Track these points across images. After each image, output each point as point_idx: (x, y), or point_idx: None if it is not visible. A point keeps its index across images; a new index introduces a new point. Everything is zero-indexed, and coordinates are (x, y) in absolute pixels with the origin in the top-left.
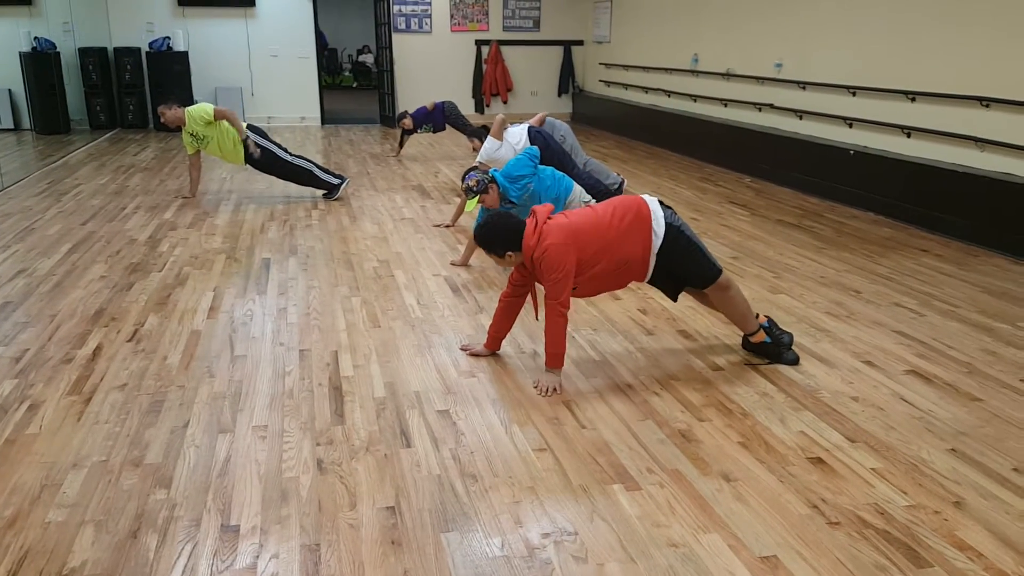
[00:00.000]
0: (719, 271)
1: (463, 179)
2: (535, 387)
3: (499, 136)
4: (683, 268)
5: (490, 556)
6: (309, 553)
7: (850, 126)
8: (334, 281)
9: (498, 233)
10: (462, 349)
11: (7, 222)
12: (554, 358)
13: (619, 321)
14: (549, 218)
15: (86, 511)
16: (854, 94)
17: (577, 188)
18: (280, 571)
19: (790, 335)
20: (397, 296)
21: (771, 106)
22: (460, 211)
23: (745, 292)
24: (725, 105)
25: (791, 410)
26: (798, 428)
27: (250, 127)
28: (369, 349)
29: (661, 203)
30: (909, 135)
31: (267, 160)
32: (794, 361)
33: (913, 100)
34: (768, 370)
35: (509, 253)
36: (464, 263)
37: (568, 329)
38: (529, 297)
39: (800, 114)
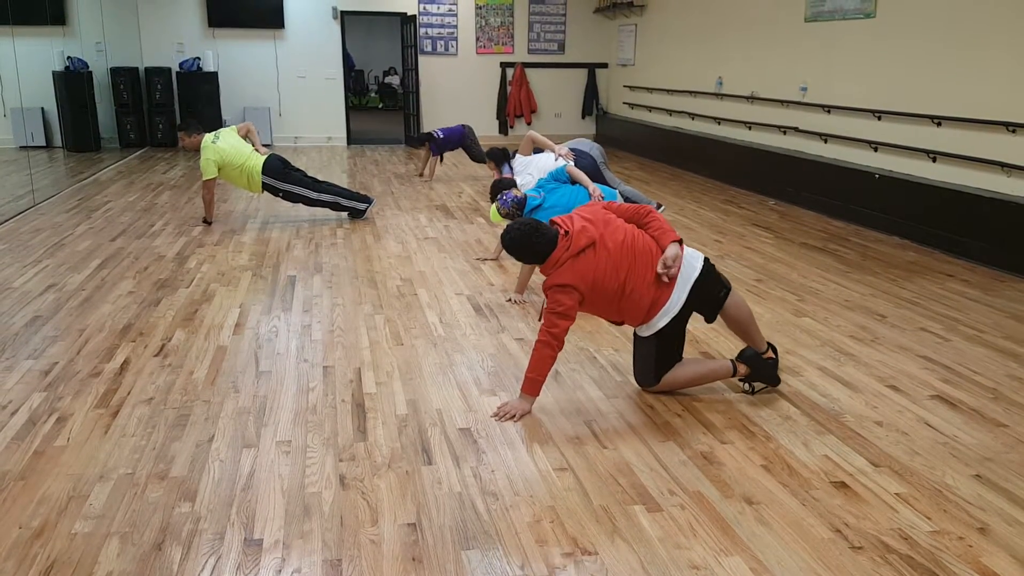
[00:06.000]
0: (661, 375)
1: (496, 198)
2: (496, 411)
3: (527, 152)
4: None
5: (510, 575)
6: (331, 568)
7: (875, 150)
8: (358, 299)
9: (527, 249)
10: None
11: (38, 237)
12: (530, 383)
13: None
14: (581, 252)
15: (112, 523)
16: (879, 118)
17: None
18: None
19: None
20: (420, 315)
21: (796, 129)
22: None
23: (768, 315)
24: (749, 128)
25: (814, 434)
26: (822, 452)
27: (268, 166)
28: (392, 367)
29: (704, 270)
30: (935, 159)
31: (291, 199)
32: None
33: (939, 125)
34: (791, 393)
35: (535, 266)
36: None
37: (590, 350)
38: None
39: (825, 137)
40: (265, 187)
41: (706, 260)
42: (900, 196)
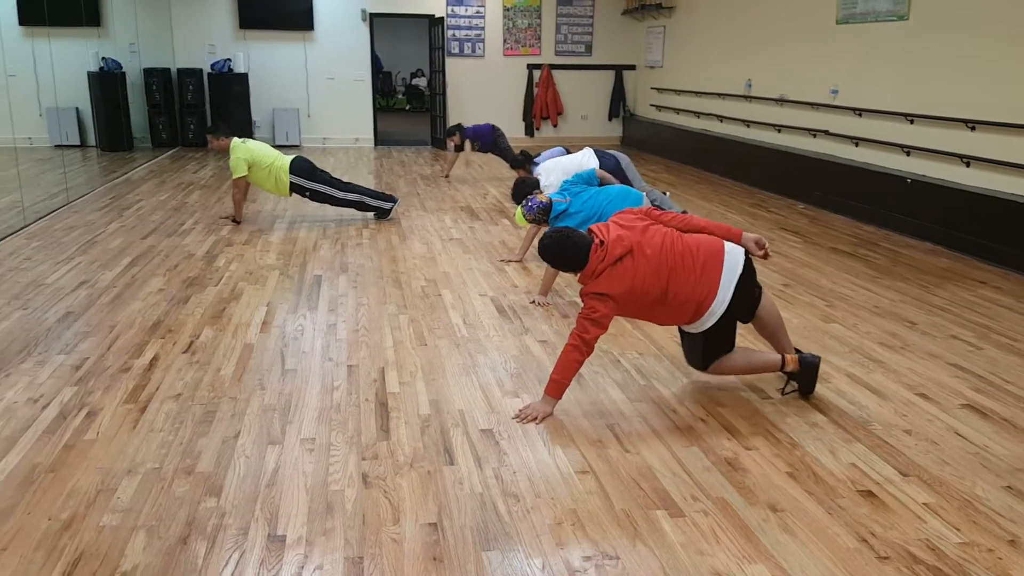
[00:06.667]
0: (712, 360)
1: (523, 204)
2: (518, 413)
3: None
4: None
5: None
6: (352, 566)
7: (907, 154)
8: (383, 299)
9: (563, 257)
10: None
11: (71, 235)
12: (555, 385)
13: (666, 346)
14: (618, 261)
15: (139, 516)
16: (912, 121)
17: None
18: None
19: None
20: (444, 315)
21: (826, 132)
22: (527, 245)
23: (796, 320)
24: (779, 131)
25: (842, 441)
26: (848, 460)
27: (295, 165)
28: (415, 367)
29: (746, 264)
30: (968, 164)
31: (318, 199)
32: (781, 392)
33: (973, 129)
34: (819, 400)
35: (569, 272)
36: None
37: (614, 353)
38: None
39: (856, 141)
40: (293, 187)
41: (746, 254)
42: (932, 201)
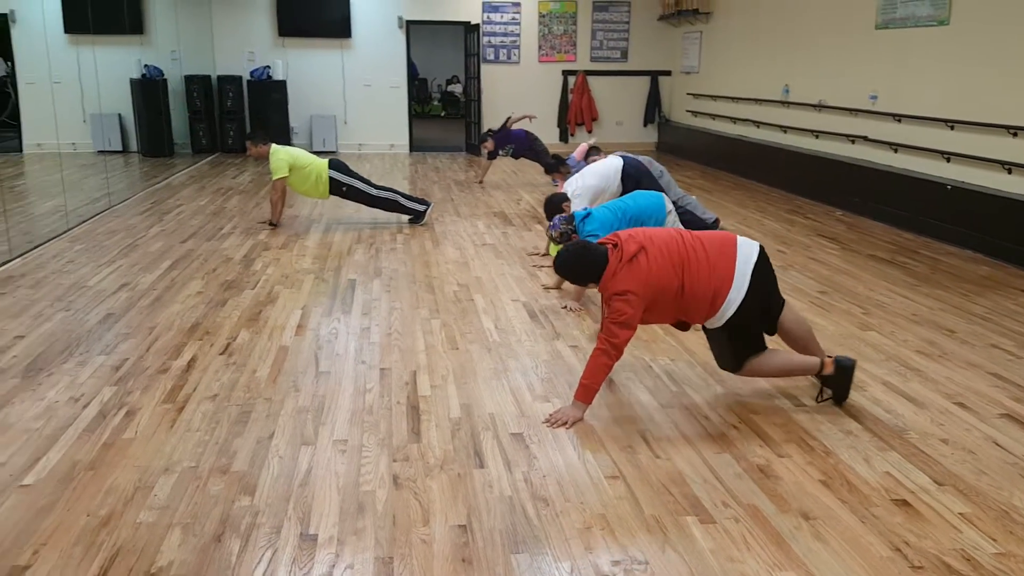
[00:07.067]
0: (744, 360)
1: (549, 224)
2: (548, 417)
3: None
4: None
5: None
6: (382, 566)
7: (947, 160)
8: (415, 303)
9: (580, 270)
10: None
11: (113, 239)
12: (584, 390)
13: (698, 352)
14: (633, 258)
15: (175, 514)
16: (952, 127)
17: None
18: None
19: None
20: (476, 320)
21: (865, 138)
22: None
23: (832, 328)
24: (816, 137)
25: (876, 450)
26: (883, 468)
27: (333, 163)
28: (447, 370)
29: (761, 252)
30: (1010, 171)
31: (353, 195)
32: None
33: (1015, 135)
34: (854, 408)
35: (590, 284)
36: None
37: (645, 359)
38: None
39: (895, 147)
40: (331, 183)
41: (761, 246)
42: (973, 208)
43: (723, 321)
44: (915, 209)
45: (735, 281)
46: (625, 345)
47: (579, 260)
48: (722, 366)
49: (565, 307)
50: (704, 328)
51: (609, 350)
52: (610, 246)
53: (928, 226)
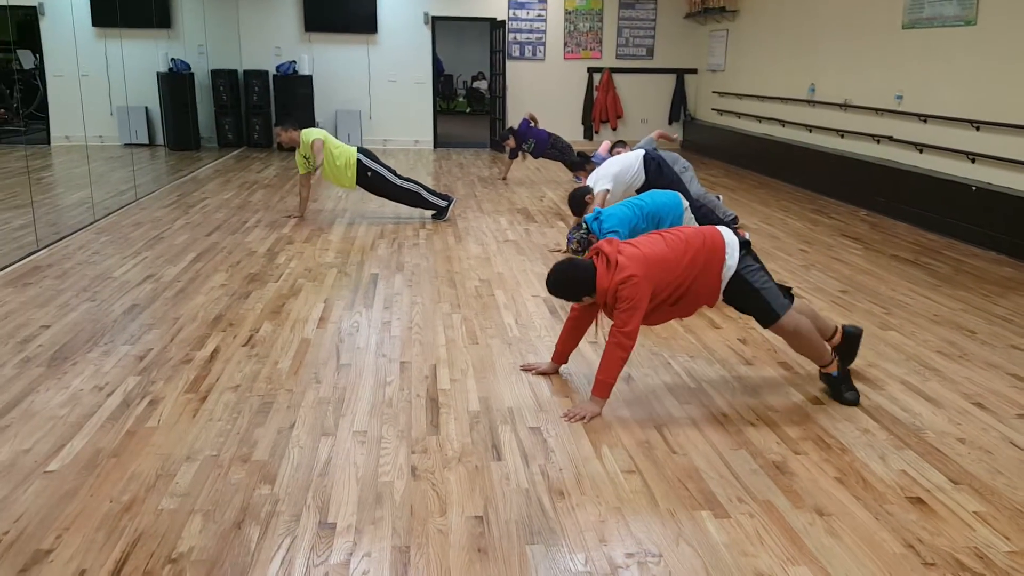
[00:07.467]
0: (777, 316)
1: (568, 239)
2: (566, 412)
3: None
4: (745, 308)
5: (573, 571)
6: (399, 554)
7: (972, 161)
8: (437, 298)
9: (570, 284)
10: (523, 369)
11: (139, 231)
12: (602, 386)
13: (717, 350)
14: (620, 253)
15: (196, 501)
16: (978, 128)
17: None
18: (371, 569)
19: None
20: (496, 315)
21: (890, 138)
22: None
23: None
24: (842, 136)
25: (893, 448)
26: (899, 467)
27: (361, 150)
28: (466, 364)
29: (740, 241)
30: None
31: (377, 182)
32: (853, 402)
33: None
34: (871, 407)
35: (585, 297)
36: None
37: (664, 356)
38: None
39: (920, 147)
40: (359, 166)
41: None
42: (998, 209)
43: (736, 268)
44: (939, 210)
45: (725, 235)
46: (636, 333)
47: (566, 274)
48: (765, 323)
49: None
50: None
51: (622, 340)
52: (592, 256)
53: (952, 227)
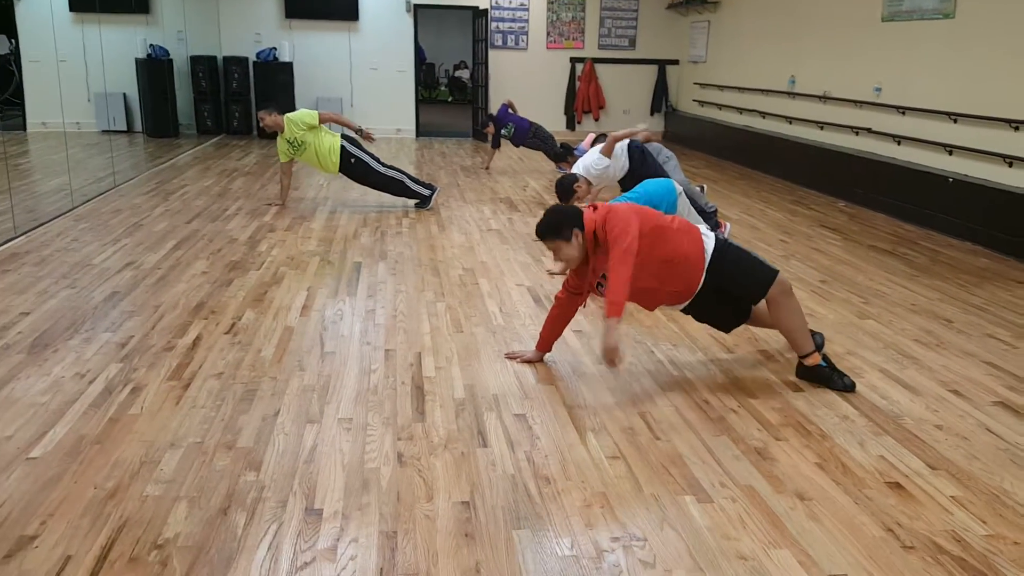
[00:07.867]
0: (775, 272)
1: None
2: (603, 354)
3: (609, 153)
4: (736, 280)
5: (560, 555)
6: (386, 539)
7: (950, 153)
8: (421, 286)
9: (559, 217)
10: (508, 357)
11: (118, 218)
12: (612, 306)
13: (700, 338)
14: (611, 209)
15: (181, 487)
16: (955, 120)
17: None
18: (359, 554)
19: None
20: (480, 303)
21: (868, 130)
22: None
23: (831, 316)
24: (821, 128)
25: (872, 434)
26: (878, 452)
27: (345, 137)
28: (451, 352)
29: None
30: (1011, 164)
31: (361, 169)
32: (851, 386)
33: (1016, 129)
34: (850, 395)
35: (575, 231)
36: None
37: (647, 344)
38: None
39: (898, 139)
40: (342, 150)
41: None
42: (974, 201)
43: (714, 248)
44: (917, 201)
45: (702, 227)
46: (635, 248)
47: (555, 211)
48: (732, 325)
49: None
50: (690, 307)
51: (624, 257)
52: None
53: (929, 218)
